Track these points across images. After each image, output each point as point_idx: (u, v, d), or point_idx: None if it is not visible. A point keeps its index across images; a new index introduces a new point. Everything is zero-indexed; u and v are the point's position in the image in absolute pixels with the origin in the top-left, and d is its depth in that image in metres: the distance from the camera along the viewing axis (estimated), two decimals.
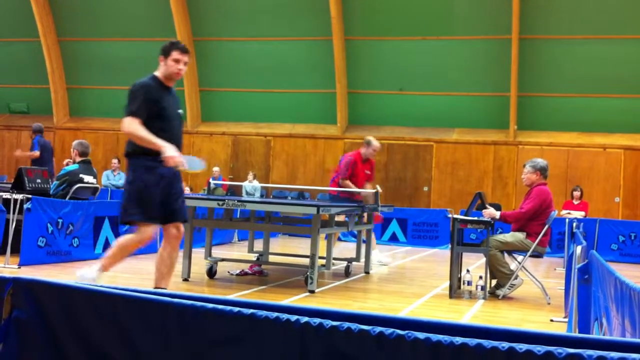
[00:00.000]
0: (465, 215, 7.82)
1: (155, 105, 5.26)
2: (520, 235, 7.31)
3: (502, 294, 7.20)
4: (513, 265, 7.59)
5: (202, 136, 17.80)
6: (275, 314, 1.85)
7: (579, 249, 5.16)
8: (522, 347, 1.57)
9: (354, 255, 9.03)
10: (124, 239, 5.42)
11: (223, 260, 8.07)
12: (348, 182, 9.21)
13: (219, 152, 17.57)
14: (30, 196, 7.79)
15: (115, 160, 16.34)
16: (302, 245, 11.67)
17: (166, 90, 5.42)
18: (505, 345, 1.59)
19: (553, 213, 7.31)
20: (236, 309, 1.90)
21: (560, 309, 6.58)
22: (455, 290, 7.29)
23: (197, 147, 17.56)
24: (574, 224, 8.98)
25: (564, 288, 6.63)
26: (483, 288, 7.13)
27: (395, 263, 10.71)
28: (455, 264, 7.30)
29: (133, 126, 5.16)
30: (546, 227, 7.25)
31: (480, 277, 7.23)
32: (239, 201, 7.03)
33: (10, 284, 2.18)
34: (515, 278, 7.27)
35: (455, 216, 7.35)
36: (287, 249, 11.12)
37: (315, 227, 6.82)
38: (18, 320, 2.17)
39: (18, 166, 10.83)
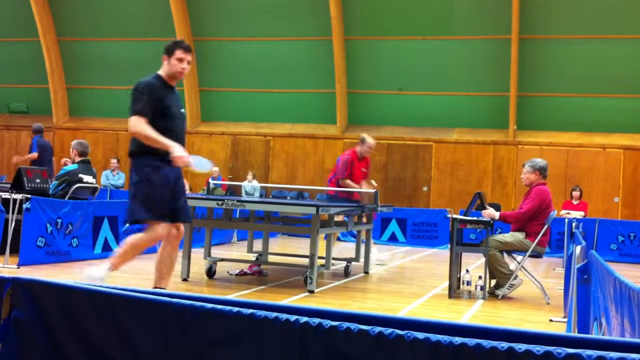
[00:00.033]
0: (465, 215, 7.82)
1: (160, 105, 5.27)
2: (519, 235, 7.31)
3: (502, 294, 7.20)
4: (512, 265, 7.59)
5: (201, 136, 17.80)
6: (274, 314, 1.85)
7: (578, 249, 5.16)
8: (521, 347, 1.57)
9: (353, 255, 9.03)
10: (134, 237, 5.38)
11: (222, 260, 8.07)
12: (348, 182, 9.21)
13: (219, 152, 17.57)
14: (29, 196, 7.79)
15: (114, 160, 16.34)
16: (301, 245, 11.67)
17: (169, 89, 5.43)
18: (504, 345, 1.59)
19: (552, 213, 7.31)
20: (235, 309, 1.90)
21: (559, 309, 6.59)
22: (455, 290, 7.29)
23: (197, 147, 17.55)
24: (574, 224, 8.98)
25: (563, 288, 6.63)
26: (482, 288, 7.13)
27: (394, 263, 10.71)
28: (455, 264, 7.30)
29: (140, 125, 5.15)
30: (545, 227, 7.25)
31: (480, 277, 7.23)
32: (238, 201, 7.03)
33: (10, 284, 2.18)
34: (515, 278, 7.27)
35: (455, 216, 7.36)
36: (287, 249, 11.12)
37: (315, 227, 6.82)
38: (17, 320, 2.17)
39: (17, 166, 10.82)
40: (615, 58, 15.12)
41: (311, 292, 6.81)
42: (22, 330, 2.17)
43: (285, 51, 16.96)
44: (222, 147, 17.62)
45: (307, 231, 7.44)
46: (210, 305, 1.94)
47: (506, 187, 15.89)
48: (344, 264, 8.66)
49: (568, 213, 13.33)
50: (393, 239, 13.82)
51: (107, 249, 8.96)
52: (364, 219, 8.96)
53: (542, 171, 7.48)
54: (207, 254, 7.74)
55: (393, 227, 13.88)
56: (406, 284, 8.18)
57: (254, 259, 8.71)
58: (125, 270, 8.07)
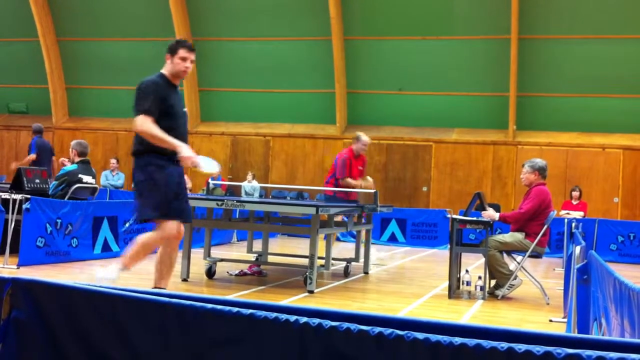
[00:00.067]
0: (465, 215, 7.82)
1: (164, 104, 5.27)
2: (519, 236, 7.31)
3: (501, 294, 7.20)
4: (512, 266, 7.59)
5: (201, 136, 17.80)
6: (274, 314, 1.85)
7: (578, 249, 5.16)
8: (521, 347, 1.58)
9: (352, 255, 9.03)
10: (145, 236, 5.34)
11: (222, 260, 8.07)
12: (349, 180, 9.22)
13: (218, 152, 17.56)
14: (29, 196, 7.79)
15: (113, 161, 16.34)
16: (301, 246, 11.67)
17: (173, 88, 5.44)
18: (504, 345, 1.59)
19: (552, 213, 7.31)
20: (235, 309, 1.90)
21: (559, 309, 6.59)
22: (455, 290, 7.30)
23: (197, 147, 17.53)
24: (573, 224, 8.98)
25: (563, 288, 6.63)
26: (482, 288, 7.13)
27: (394, 263, 10.72)
28: (455, 264, 7.30)
29: (147, 124, 5.15)
30: (545, 227, 7.25)
31: (480, 278, 7.23)
32: (238, 201, 7.03)
33: (9, 284, 2.18)
34: (515, 278, 7.27)
35: (455, 216, 7.36)
36: (286, 249, 11.12)
37: (315, 227, 6.82)
38: (17, 320, 2.17)
39: (17, 162, 10.82)
40: (615, 58, 15.12)
41: (311, 292, 6.81)
42: (22, 331, 2.17)
43: (285, 51, 16.96)
44: (221, 147, 17.61)
45: (306, 231, 7.44)
46: (210, 306, 1.94)
47: (506, 187, 15.90)
48: (343, 264, 8.66)
49: (568, 213, 13.33)
50: (393, 239, 13.82)
51: (106, 249, 8.96)
52: (364, 219, 8.96)
53: (541, 171, 7.48)
54: (207, 254, 7.74)
55: (393, 227, 13.88)
56: (406, 284, 8.18)
57: (253, 259, 8.71)
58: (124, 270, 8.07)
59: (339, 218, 8.48)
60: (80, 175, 8.89)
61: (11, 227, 7.65)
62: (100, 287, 2.13)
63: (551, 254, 11.66)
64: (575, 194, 13.89)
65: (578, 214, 13.40)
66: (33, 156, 11.84)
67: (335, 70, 16.45)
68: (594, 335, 3.46)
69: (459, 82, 16.09)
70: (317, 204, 7.20)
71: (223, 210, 7.83)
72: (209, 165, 5.46)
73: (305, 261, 7.35)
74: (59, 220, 8.11)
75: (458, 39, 15.89)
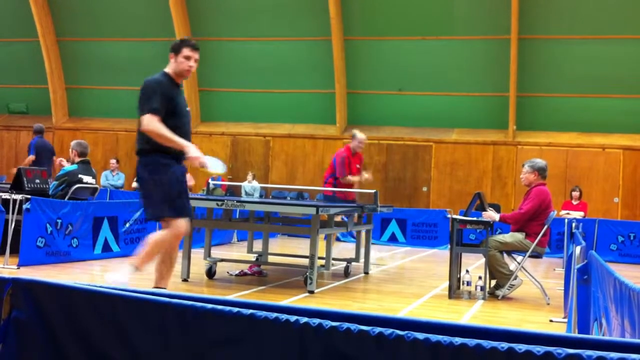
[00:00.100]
0: (465, 215, 7.82)
1: (170, 103, 5.27)
2: (519, 236, 7.31)
3: (502, 295, 7.20)
4: (512, 266, 7.59)
5: (201, 136, 17.79)
6: (274, 315, 1.85)
7: (578, 249, 5.16)
8: (521, 347, 1.57)
9: (353, 255, 9.03)
10: (157, 236, 5.33)
11: (222, 260, 8.06)
12: (349, 178, 9.25)
13: (218, 152, 17.56)
14: (29, 196, 7.79)
15: (113, 161, 16.34)
16: (301, 246, 11.67)
17: (177, 87, 5.45)
18: (504, 345, 1.59)
19: (552, 213, 7.31)
20: (235, 309, 1.90)
21: (559, 309, 6.59)
22: (455, 290, 7.29)
23: (196, 147, 17.54)
24: (573, 224, 8.98)
25: (563, 288, 6.63)
26: (482, 288, 7.13)
27: (394, 263, 10.72)
28: (455, 265, 7.30)
29: (154, 124, 5.14)
30: (545, 227, 7.25)
31: (480, 278, 7.23)
32: (238, 201, 7.03)
33: (10, 284, 2.18)
34: (515, 278, 7.27)
35: (455, 216, 7.35)
36: (287, 249, 11.12)
37: (315, 227, 6.82)
38: (17, 320, 2.17)
39: (17, 166, 10.81)
40: (615, 58, 15.12)
41: (311, 292, 6.80)
42: (22, 331, 2.17)
43: (285, 51, 16.96)
44: (221, 147, 17.61)
45: (307, 231, 7.44)
46: (210, 306, 1.94)
47: (506, 188, 15.89)
48: (344, 264, 8.66)
49: (568, 213, 13.33)
50: (393, 240, 13.82)
51: (107, 249, 8.96)
52: (362, 219, 8.96)
53: (541, 171, 7.48)
54: (207, 255, 7.74)
55: (393, 227, 13.88)
56: (406, 284, 8.18)
57: (254, 259, 8.71)
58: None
59: (338, 218, 8.48)
60: (80, 176, 8.90)
61: (11, 227, 7.65)
62: (100, 287, 2.13)
63: (551, 254, 11.66)
64: (576, 194, 13.89)
65: (578, 214, 13.40)
66: (32, 157, 11.82)
67: (335, 70, 16.45)
68: (594, 335, 3.46)
69: (459, 82, 16.09)
70: (317, 204, 7.20)
71: (223, 210, 7.83)
72: (216, 166, 5.48)
73: (306, 261, 7.35)
74: (59, 221, 8.11)
75: (458, 39, 15.89)
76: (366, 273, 8.79)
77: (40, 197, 8.07)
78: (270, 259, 8.79)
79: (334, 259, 8.20)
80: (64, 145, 17.30)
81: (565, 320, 5.73)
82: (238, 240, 12.45)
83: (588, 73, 15.27)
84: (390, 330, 1.71)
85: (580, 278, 4.39)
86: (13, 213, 7.67)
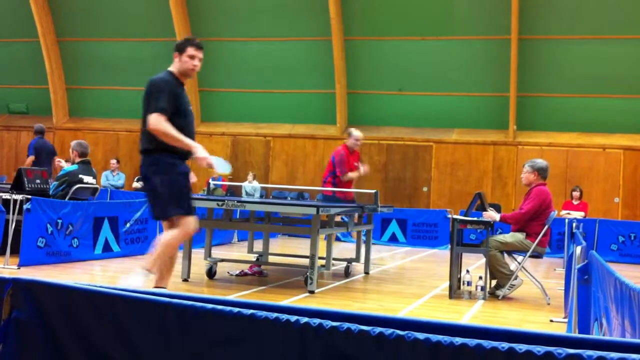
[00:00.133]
0: (465, 215, 7.82)
1: (176, 102, 5.27)
2: (519, 236, 7.31)
3: (502, 295, 7.20)
4: (513, 266, 7.59)
5: (201, 136, 17.78)
6: (275, 315, 1.85)
7: (578, 249, 5.16)
8: (521, 347, 1.57)
9: (353, 255, 9.03)
10: (168, 236, 5.31)
11: (223, 260, 8.06)
12: (349, 174, 9.28)
13: (219, 152, 17.55)
14: (29, 197, 7.79)
15: (114, 161, 16.34)
16: (301, 246, 11.67)
17: (181, 87, 5.45)
18: (505, 345, 1.59)
19: (553, 213, 7.31)
20: (236, 309, 1.90)
21: (560, 309, 6.58)
22: (455, 290, 7.29)
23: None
24: (574, 224, 8.99)
25: (563, 288, 6.63)
26: (483, 288, 7.13)
27: (394, 263, 10.72)
28: (455, 265, 7.30)
29: (162, 124, 5.14)
30: (546, 227, 7.25)
31: (480, 278, 7.23)
32: (238, 201, 7.03)
33: (10, 284, 2.18)
34: (515, 278, 7.27)
35: (455, 216, 7.35)
36: (287, 249, 11.12)
37: (315, 227, 6.82)
38: (17, 320, 2.17)
39: (17, 167, 10.81)
40: (615, 58, 15.12)
41: (311, 292, 6.80)
42: (22, 331, 2.16)
43: (285, 51, 16.96)
44: (222, 147, 17.61)
45: (307, 232, 7.44)
46: (210, 306, 1.93)
47: (506, 188, 15.89)
48: (344, 264, 8.66)
49: (568, 213, 13.33)
50: (393, 240, 13.82)
51: (107, 249, 8.96)
52: (362, 219, 8.96)
53: (540, 172, 7.48)
54: (208, 255, 7.74)
55: (393, 227, 13.88)
56: (406, 284, 8.18)
57: (254, 259, 8.71)
58: (125, 270, 8.07)
59: (338, 218, 8.48)
60: (80, 176, 8.90)
61: (12, 227, 7.65)
62: (100, 287, 2.13)
63: (552, 254, 11.66)
64: (576, 194, 13.89)
65: (579, 214, 13.40)
66: (32, 158, 11.82)
67: (336, 70, 16.45)
68: (594, 335, 3.46)
69: (459, 82, 16.09)
70: (317, 204, 7.20)
71: (224, 210, 7.83)
72: (222, 166, 5.50)
73: (306, 261, 7.35)
74: (59, 221, 8.11)
75: (458, 39, 15.89)
76: (366, 273, 8.78)
77: (41, 197, 8.07)
78: (271, 259, 8.79)
79: (334, 259, 8.20)
80: (65, 146, 17.30)
81: (566, 320, 5.73)
82: (238, 241, 12.45)
83: (588, 73, 15.27)
84: (390, 330, 1.71)
85: (580, 278, 4.38)
86: (13, 213, 7.68)
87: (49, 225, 7.95)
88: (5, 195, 7.85)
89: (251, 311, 1.88)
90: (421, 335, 1.68)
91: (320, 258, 7.15)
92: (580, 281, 4.39)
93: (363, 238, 9.18)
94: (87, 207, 8.66)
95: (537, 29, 15.40)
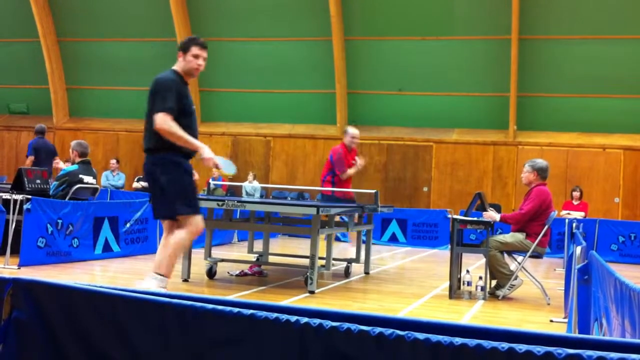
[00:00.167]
0: (465, 215, 7.82)
1: (182, 101, 5.28)
2: (519, 236, 7.31)
3: (502, 295, 7.20)
4: (513, 266, 7.59)
5: (201, 136, 17.61)
6: (275, 315, 1.85)
7: (578, 249, 5.16)
8: (521, 347, 1.57)
9: (353, 255, 9.03)
10: (177, 237, 5.28)
11: (223, 260, 8.06)
12: (348, 172, 9.30)
13: (219, 152, 17.48)
14: (29, 197, 7.79)
15: (113, 161, 16.34)
16: (301, 246, 11.67)
17: (186, 86, 5.46)
18: (505, 345, 1.59)
19: (553, 213, 7.31)
20: (236, 309, 1.90)
21: (560, 309, 6.58)
22: (455, 290, 7.29)
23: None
24: (574, 225, 8.99)
25: (563, 288, 6.63)
26: (483, 288, 7.13)
27: (394, 263, 10.72)
28: (455, 265, 7.30)
29: (169, 123, 5.14)
30: (546, 227, 7.25)
31: (480, 278, 7.22)
32: (238, 201, 7.03)
33: (10, 284, 2.18)
34: (515, 278, 7.27)
35: (455, 216, 7.35)
36: (287, 249, 11.12)
37: (315, 227, 6.82)
38: (18, 320, 2.17)
39: (18, 167, 10.81)
40: (615, 58, 15.12)
41: (311, 292, 6.80)
42: (22, 331, 2.17)
43: (285, 51, 16.96)
44: (222, 147, 17.61)
45: (307, 232, 7.44)
46: (210, 306, 1.93)
47: (506, 188, 15.89)
48: (344, 264, 8.66)
49: (568, 213, 13.32)
50: (393, 240, 13.82)
51: (107, 249, 8.96)
52: (362, 219, 8.97)
53: (540, 172, 7.48)
54: (208, 255, 7.74)
55: (393, 227, 13.88)
56: (406, 284, 8.18)
57: (254, 259, 8.71)
58: (125, 270, 8.08)
59: (337, 218, 8.48)
60: (81, 176, 8.90)
61: (12, 227, 7.65)
62: (100, 287, 2.13)
63: (552, 254, 11.66)
64: (576, 194, 13.89)
65: (579, 214, 13.40)
66: (31, 158, 11.81)
67: (336, 70, 16.45)
68: (594, 335, 3.46)
69: (459, 82, 16.09)
70: (317, 204, 7.19)
71: (224, 210, 7.83)
72: (228, 167, 5.52)
73: (306, 261, 7.35)
74: (59, 221, 8.11)
75: (458, 39, 15.89)
76: (366, 273, 8.78)
77: (41, 197, 8.07)
78: (271, 259, 8.79)
79: (334, 259, 8.20)
80: (65, 146, 17.30)
81: (566, 320, 5.73)
82: (238, 241, 12.45)
83: (588, 73, 15.27)
84: (390, 331, 1.71)
85: (580, 278, 4.38)
86: (14, 213, 7.68)
87: (49, 225, 7.95)
88: (6, 195, 7.85)
89: (251, 311, 1.88)
90: (421, 336, 1.68)
91: (320, 258, 7.15)
92: (580, 281, 4.39)
93: (363, 238, 9.18)
94: (87, 207, 8.66)
95: (537, 29, 15.40)
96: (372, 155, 16.42)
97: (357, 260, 8.79)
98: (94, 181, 9.13)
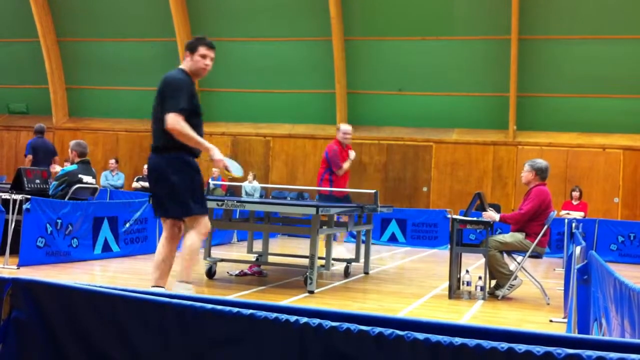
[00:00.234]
0: (465, 215, 7.82)
1: (192, 101, 5.28)
2: (519, 236, 7.31)
3: (502, 295, 7.20)
4: (512, 266, 7.59)
5: None
6: (274, 315, 1.85)
7: (578, 249, 5.16)
8: (521, 347, 1.57)
9: (353, 255, 9.03)
10: (189, 242, 5.30)
11: (222, 260, 8.07)
12: (343, 167, 9.32)
13: None
14: (29, 196, 7.79)
15: (113, 161, 16.33)
16: (301, 246, 11.67)
17: (194, 86, 5.46)
18: (504, 345, 1.59)
19: (552, 213, 7.31)
20: (235, 309, 1.90)
21: (559, 309, 6.59)
22: (455, 290, 7.29)
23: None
24: (573, 225, 8.98)
25: (563, 288, 6.63)
26: (482, 288, 7.13)
27: (394, 263, 10.72)
28: (455, 265, 7.30)
29: (181, 124, 5.14)
30: (545, 227, 7.25)
31: (480, 278, 7.23)
32: (238, 201, 7.03)
33: (10, 284, 2.18)
34: (515, 278, 7.27)
35: (455, 216, 7.35)
36: (287, 249, 11.12)
37: (315, 227, 6.82)
38: (17, 320, 2.17)
39: (17, 167, 10.80)
40: (615, 58, 15.12)
41: (311, 292, 6.80)
42: (22, 331, 2.16)
43: (285, 51, 16.96)
44: (222, 147, 17.59)
45: (307, 232, 7.44)
46: (210, 306, 1.93)
47: (506, 188, 15.90)
48: (344, 264, 8.66)
49: (568, 213, 13.33)
50: (393, 240, 13.82)
51: (106, 249, 8.96)
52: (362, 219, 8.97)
53: (539, 172, 7.48)
54: (207, 255, 7.74)
55: (393, 227, 13.88)
56: (406, 284, 8.18)
57: (254, 259, 8.71)
58: (125, 270, 8.09)
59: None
60: (80, 176, 8.90)
61: (11, 227, 7.65)
62: (100, 287, 2.13)
63: (551, 254, 11.66)
64: (576, 194, 13.89)
65: (578, 214, 13.40)
66: (30, 157, 11.80)
67: (336, 70, 16.45)
68: (594, 335, 3.46)
69: (459, 82, 16.09)
70: (317, 204, 7.19)
71: (223, 210, 7.83)
72: (236, 169, 5.54)
73: (306, 261, 7.35)
74: (59, 221, 8.11)
75: (458, 39, 15.89)
76: (366, 273, 8.79)
77: (40, 197, 8.07)
78: (270, 259, 8.79)
79: (334, 259, 8.20)
80: (64, 146, 17.30)
81: (565, 320, 5.73)
82: (238, 241, 12.45)
83: (588, 73, 15.27)
84: (390, 331, 1.71)
85: (580, 278, 4.39)
86: (13, 213, 7.68)
87: (48, 225, 7.95)
88: (5, 195, 7.85)
89: (251, 311, 1.88)
90: (421, 336, 1.68)
91: (319, 258, 7.15)
92: (580, 281, 4.39)
93: (363, 238, 9.18)
94: (87, 207, 8.66)
95: (537, 29, 15.40)
96: (372, 155, 16.42)
97: (356, 260, 8.79)
98: (93, 181, 9.13)
